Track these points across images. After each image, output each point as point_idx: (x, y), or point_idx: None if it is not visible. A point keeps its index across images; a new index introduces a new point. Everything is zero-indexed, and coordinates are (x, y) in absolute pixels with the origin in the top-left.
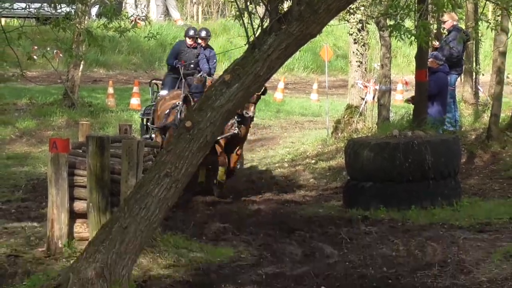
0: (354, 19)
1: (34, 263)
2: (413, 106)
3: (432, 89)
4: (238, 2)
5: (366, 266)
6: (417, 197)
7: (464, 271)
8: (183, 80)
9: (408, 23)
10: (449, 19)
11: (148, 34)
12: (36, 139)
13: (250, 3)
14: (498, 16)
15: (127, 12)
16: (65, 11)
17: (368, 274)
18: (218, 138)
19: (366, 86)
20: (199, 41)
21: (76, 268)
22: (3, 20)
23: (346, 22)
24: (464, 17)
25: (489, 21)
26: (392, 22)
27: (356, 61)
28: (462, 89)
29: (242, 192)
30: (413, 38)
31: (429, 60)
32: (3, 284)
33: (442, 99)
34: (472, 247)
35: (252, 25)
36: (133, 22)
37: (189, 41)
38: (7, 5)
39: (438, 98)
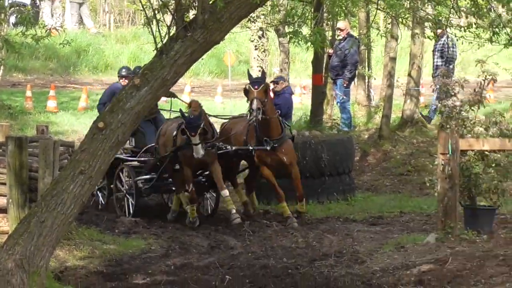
0: (255, 26)
1: None
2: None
3: (281, 110)
4: (146, 11)
5: (267, 257)
6: (314, 192)
7: (358, 261)
8: None
9: (305, 30)
10: (345, 27)
11: (63, 41)
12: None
13: (158, 12)
14: (389, 24)
15: (43, 21)
16: None
17: (269, 264)
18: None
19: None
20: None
21: None
22: None
23: (247, 29)
24: (357, 25)
25: (379, 28)
26: (290, 30)
27: (257, 66)
28: (355, 92)
29: None
30: (309, 43)
31: (277, 83)
32: None
33: (289, 118)
34: (366, 239)
35: (160, 32)
36: (47, 31)
37: (122, 82)
38: None
39: (286, 118)
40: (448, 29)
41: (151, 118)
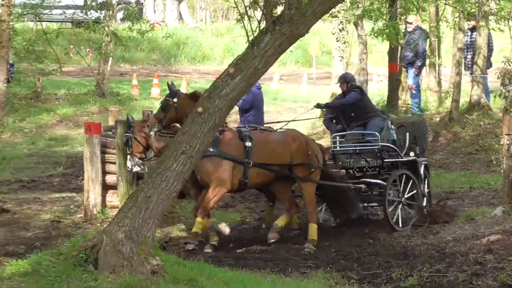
0: (336, 20)
1: (73, 227)
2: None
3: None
4: (239, 7)
5: (351, 229)
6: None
7: (433, 232)
8: None
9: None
10: (414, 21)
11: (165, 35)
12: (73, 123)
13: (249, 8)
14: (456, 17)
15: (147, 17)
16: (95, 16)
17: (352, 235)
18: None
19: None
20: None
21: (109, 231)
22: (44, 23)
23: (329, 23)
24: (427, 19)
25: (448, 21)
26: (368, 23)
27: (338, 56)
28: (427, 79)
29: None
30: (384, 36)
31: None
32: (48, 245)
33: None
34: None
35: (251, 26)
36: (151, 26)
37: None
38: (46, 11)
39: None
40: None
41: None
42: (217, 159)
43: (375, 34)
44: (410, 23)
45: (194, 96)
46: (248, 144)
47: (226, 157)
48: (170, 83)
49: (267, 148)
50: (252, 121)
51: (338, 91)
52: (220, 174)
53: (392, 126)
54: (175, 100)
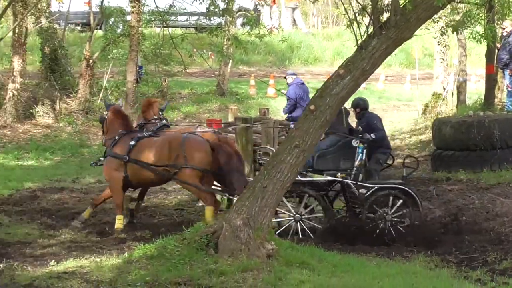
0: (437, 25)
1: (196, 215)
2: (484, 93)
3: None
4: (349, 14)
5: (450, 216)
6: (487, 163)
7: None
8: None
9: (479, 28)
10: (508, 25)
11: (281, 39)
12: (196, 120)
13: (358, 15)
14: None
15: (264, 22)
16: (217, 22)
17: (451, 221)
18: None
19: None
20: None
21: (228, 218)
22: (170, 29)
23: (432, 28)
24: None
25: None
26: (467, 28)
27: (439, 58)
28: None
29: None
30: (482, 39)
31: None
32: (172, 231)
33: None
34: None
35: (360, 31)
36: (268, 30)
37: None
38: (172, 17)
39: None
40: None
41: None
42: (109, 158)
43: (474, 38)
44: (504, 28)
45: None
46: (132, 143)
47: (112, 155)
48: (105, 100)
49: (145, 147)
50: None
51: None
52: (110, 172)
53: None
54: (105, 113)
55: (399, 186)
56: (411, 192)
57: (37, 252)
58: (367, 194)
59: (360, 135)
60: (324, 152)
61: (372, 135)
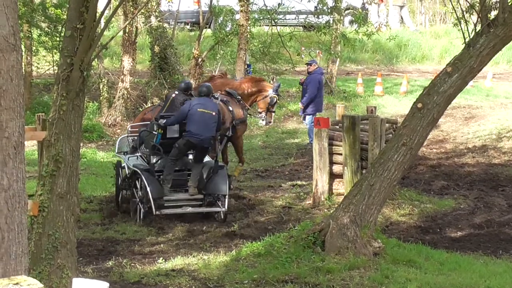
0: None
1: (303, 213)
2: None
3: (310, 87)
4: (456, 12)
5: None
6: None
7: None
8: None
9: None
10: None
11: (389, 37)
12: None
13: (466, 12)
14: None
15: (371, 20)
16: (325, 20)
17: None
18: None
19: None
20: None
21: (335, 216)
22: (278, 28)
23: None
24: None
25: None
26: None
27: None
28: None
29: (460, 157)
30: None
31: (310, 65)
32: (280, 229)
33: (319, 98)
34: None
35: (467, 29)
36: (376, 28)
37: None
38: (281, 16)
39: (316, 97)
40: None
41: None
42: None
43: None
44: None
45: None
46: None
47: None
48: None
49: None
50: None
51: None
52: None
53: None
54: None
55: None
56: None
57: (146, 249)
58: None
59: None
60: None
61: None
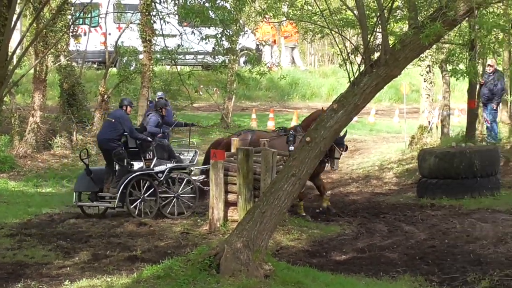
0: (424, 64)
1: (200, 238)
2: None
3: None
4: (343, 54)
5: (433, 239)
6: (468, 190)
7: (502, 242)
8: None
9: (462, 66)
10: (493, 63)
11: (280, 76)
12: (200, 151)
13: (351, 54)
14: None
15: (265, 61)
16: (221, 60)
17: (434, 244)
18: None
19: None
20: None
21: (229, 241)
22: (178, 67)
23: (418, 66)
24: (501, 62)
25: None
26: (450, 67)
27: (425, 94)
28: (500, 113)
29: (345, 186)
30: (465, 75)
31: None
32: (178, 253)
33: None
34: (509, 226)
35: (352, 69)
36: (269, 68)
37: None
38: (181, 56)
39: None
40: None
41: None
42: None
43: (456, 74)
44: (491, 66)
45: None
46: None
47: None
48: None
49: None
50: None
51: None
52: None
53: None
54: None
55: None
56: None
57: (53, 272)
58: None
59: None
60: None
61: None
